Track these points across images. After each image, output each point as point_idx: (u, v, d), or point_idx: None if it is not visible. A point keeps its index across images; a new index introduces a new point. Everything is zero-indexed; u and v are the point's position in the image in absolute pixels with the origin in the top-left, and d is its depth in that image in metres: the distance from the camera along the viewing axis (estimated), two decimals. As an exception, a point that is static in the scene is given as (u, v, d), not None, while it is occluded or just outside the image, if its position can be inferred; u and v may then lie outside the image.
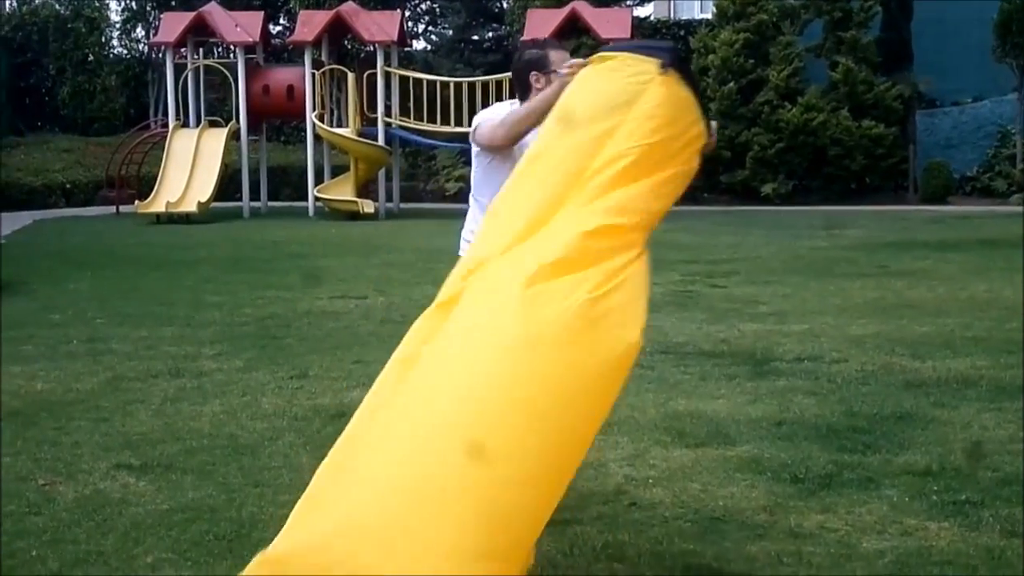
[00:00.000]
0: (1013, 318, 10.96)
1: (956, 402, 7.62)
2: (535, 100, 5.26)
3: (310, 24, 27.20)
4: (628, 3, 31.64)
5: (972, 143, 29.89)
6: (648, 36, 31.60)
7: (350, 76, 26.61)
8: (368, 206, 25.90)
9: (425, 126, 26.72)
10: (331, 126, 26.90)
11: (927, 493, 5.72)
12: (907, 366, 8.84)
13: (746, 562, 4.91)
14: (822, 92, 28.56)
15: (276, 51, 32.89)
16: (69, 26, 34.37)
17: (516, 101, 5.63)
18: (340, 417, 7.35)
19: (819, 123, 27.95)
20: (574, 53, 21.59)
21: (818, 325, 10.76)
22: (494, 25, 35.65)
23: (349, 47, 32.73)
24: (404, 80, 27.09)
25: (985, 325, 10.60)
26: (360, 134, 26.60)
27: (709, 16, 31.47)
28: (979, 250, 17.06)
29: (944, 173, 28.13)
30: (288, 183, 31.28)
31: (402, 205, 28.37)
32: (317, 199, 26.72)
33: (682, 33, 32.45)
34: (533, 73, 5.50)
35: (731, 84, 28.44)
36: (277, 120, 32.50)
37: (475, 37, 35.88)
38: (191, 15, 27.52)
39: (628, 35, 25.60)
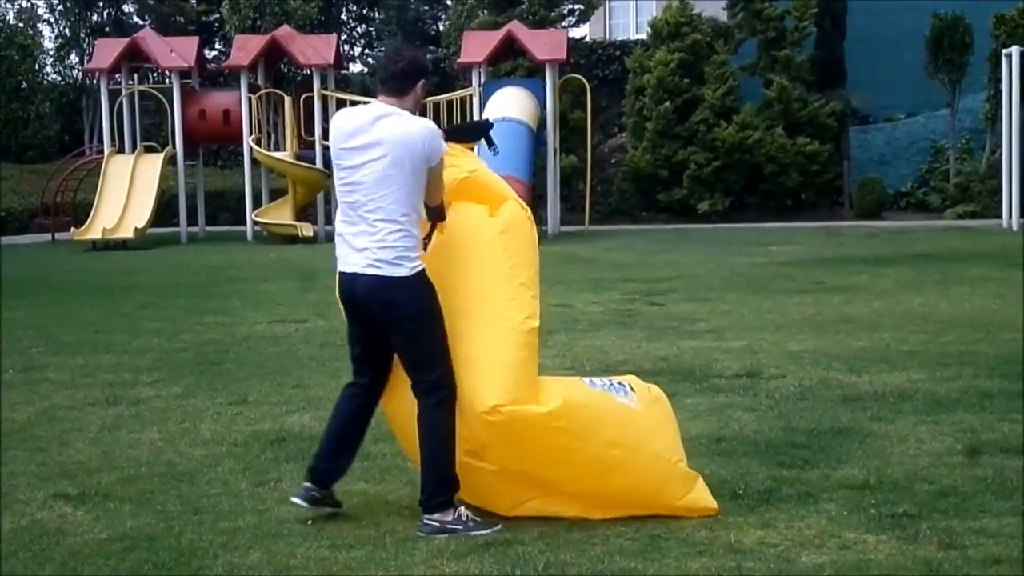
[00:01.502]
0: (948, 331, 11.08)
1: (893, 416, 7.69)
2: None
3: (245, 48, 27.12)
4: (563, 24, 31.71)
5: (906, 159, 30.20)
6: (584, 57, 31.72)
7: (287, 100, 26.57)
8: (307, 229, 25.84)
9: (363, 149, 26.69)
10: (268, 150, 26.83)
11: (865, 507, 5.76)
12: (844, 381, 8.91)
13: (687, 579, 4.93)
14: (757, 110, 28.79)
15: (212, 76, 32.72)
16: (1, 53, 34.09)
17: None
18: (280, 442, 7.33)
19: (754, 141, 28.16)
20: (510, 74, 21.56)
21: (756, 341, 10.83)
22: (430, 47, 35.76)
23: (285, 71, 32.65)
24: (341, 103, 27.03)
25: (920, 339, 10.71)
26: (298, 157, 26.55)
27: (644, 36, 31.63)
28: (914, 264, 17.24)
29: (878, 189, 28.40)
30: (226, 208, 31.12)
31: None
32: (255, 223, 26.62)
33: (617, 53, 32.60)
34: (424, 81, 5.82)
35: (667, 103, 28.61)
36: (214, 144, 32.37)
37: (412, 59, 35.91)
38: (125, 41, 27.38)
39: (564, 56, 25.71)
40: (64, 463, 7.07)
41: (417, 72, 5.81)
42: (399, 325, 5.66)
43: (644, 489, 5.70)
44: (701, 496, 5.78)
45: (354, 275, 5.67)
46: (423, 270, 5.66)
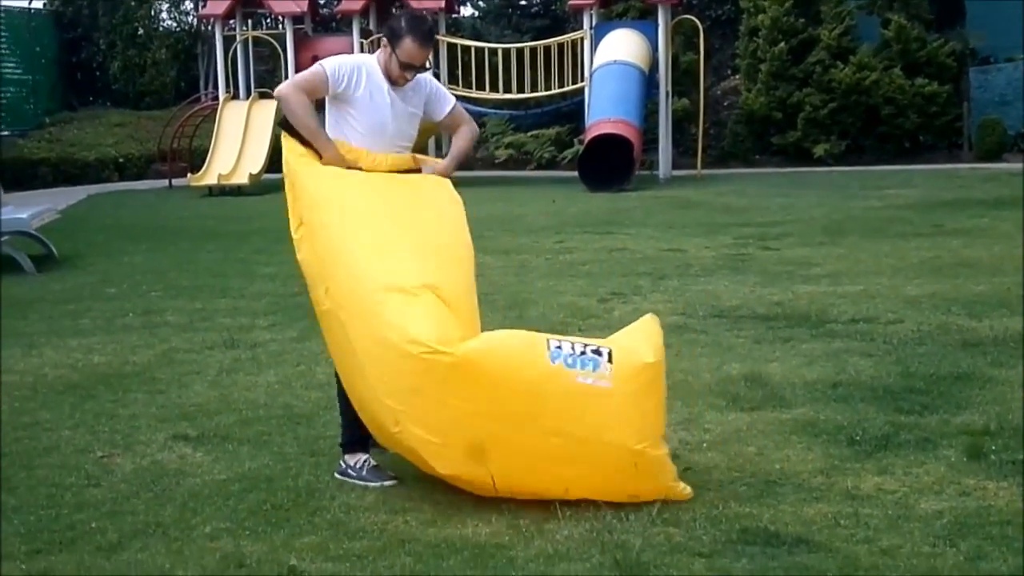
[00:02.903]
0: (1071, 275, 10.84)
1: (1014, 361, 7.56)
2: (311, 131, 6.02)
3: (358, -7, 27.17)
4: (677, -35, 31.30)
5: (1027, 99, 29.49)
6: (697, -2, 31.38)
7: (398, 44, 26.56)
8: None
9: (474, 93, 26.65)
10: (380, 95, 26.82)
11: (985, 453, 5.68)
12: (964, 325, 8.77)
13: (803, 525, 4.90)
14: (874, 51, 28.21)
15: (324, 21, 32.80)
16: (119, 0, 34.45)
17: (370, 56, 6.04)
18: (394, 385, 7.37)
19: (872, 82, 27.63)
20: (622, 16, 21.33)
21: (873, 286, 10.69)
22: (542, -11, 35.47)
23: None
24: (452, 47, 27.05)
25: (1042, 283, 10.50)
26: (411, 102, 26.52)
27: (758, -24, 31.14)
28: (1035, 207, 16.87)
29: (999, 130, 27.78)
30: (338, 153, 31.28)
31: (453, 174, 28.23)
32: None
33: (731, -6, 32.19)
34: (385, 39, 5.87)
35: (781, 44, 28.15)
36: (327, 90, 32.54)
37: (523, 2, 35.65)
38: (239, -13, 27.56)
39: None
40: (183, 405, 7.20)
41: (386, 28, 5.99)
42: None
43: (594, 479, 5.18)
44: (670, 486, 5.23)
45: None
46: None
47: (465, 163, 6.34)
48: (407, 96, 5.89)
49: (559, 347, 5.16)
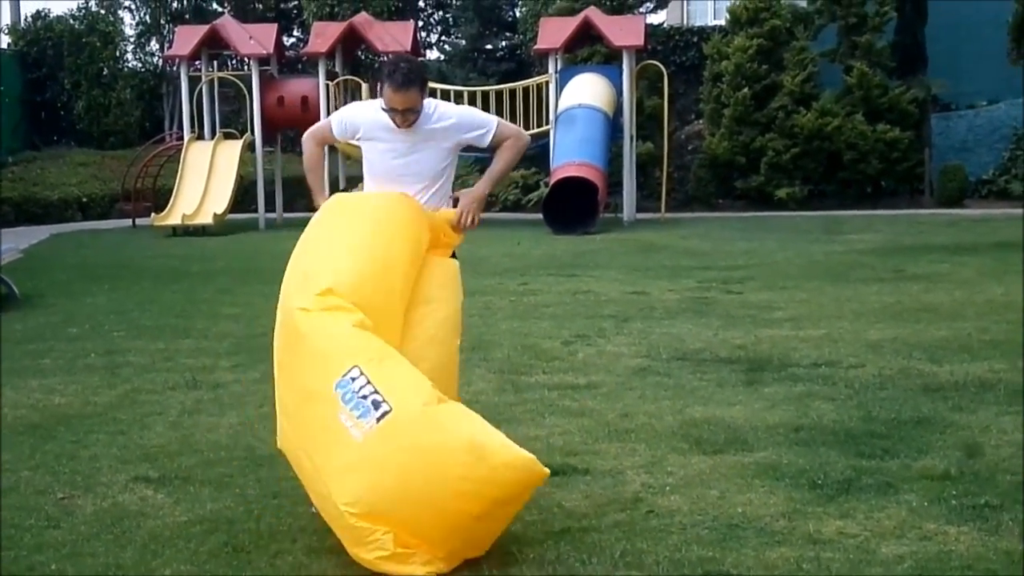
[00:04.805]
0: (1031, 321, 10.93)
1: (974, 406, 7.60)
2: (308, 178, 6.96)
3: (324, 35, 27.23)
4: (641, 10, 31.51)
5: (988, 146, 29.77)
6: (661, 43, 31.59)
7: (364, 87, 26.65)
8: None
9: (439, 135, 26.66)
10: (346, 137, 26.81)
11: (946, 497, 5.71)
12: (925, 370, 8.82)
13: (765, 569, 4.91)
14: (837, 97, 28.47)
15: (290, 62, 32.87)
16: (84, 40, 34.37)
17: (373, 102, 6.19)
18: (357, 427, 7.35)
19: (834, 127, 27.87)
20: (587, 61, 21.52)
21: (835, 330, 10.74)
22: (507, 34, 35.63)
23: (363, 58, 32.75)
24: (418, 90, 27.05)
25: (1002, 328, 10.57)
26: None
27: (722, 22, 31.37)
28: (996, 253, 17.00)
29: (960, 176, 28.03)
30: (303, 194, 30.97)
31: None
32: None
33: (695, 39, 32.39)
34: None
35: (745, 90, 28.37)
36: (292, 131, 32.54)
37: (488, 46, 35.86)
38: (205, 28, 27.55)
39: (641, 42, 25.55)
40: (145, 446, 7.16)
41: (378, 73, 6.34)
42: None
43: (327, 518, 5.07)
44: (372, 560, 4.85)
45: None
46: None
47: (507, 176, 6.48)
48: (420, 131, 5.98)
49: (354, 379, 4.92)
